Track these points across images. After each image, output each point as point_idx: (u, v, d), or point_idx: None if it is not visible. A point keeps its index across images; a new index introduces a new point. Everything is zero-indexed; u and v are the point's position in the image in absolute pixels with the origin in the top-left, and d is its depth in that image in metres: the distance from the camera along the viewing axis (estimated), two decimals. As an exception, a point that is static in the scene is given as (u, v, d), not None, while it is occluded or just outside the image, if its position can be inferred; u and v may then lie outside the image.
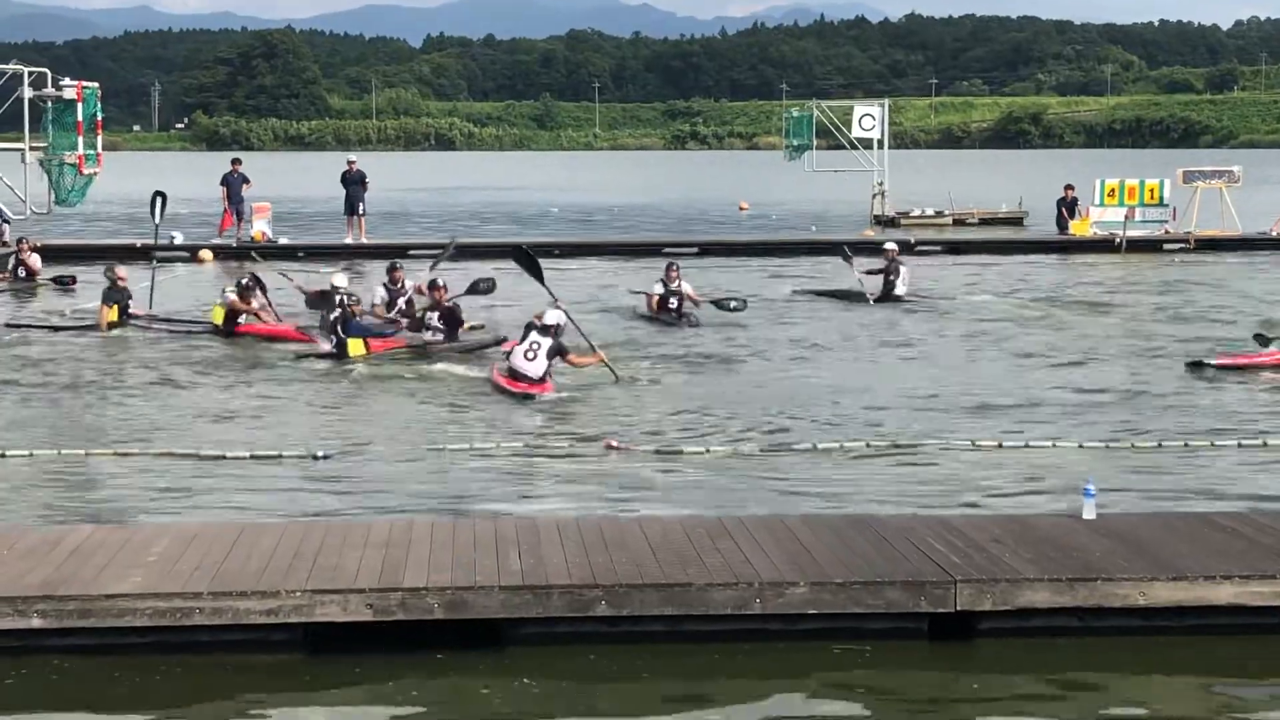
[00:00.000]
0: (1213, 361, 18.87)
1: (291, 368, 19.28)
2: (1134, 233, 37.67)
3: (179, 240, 36.18)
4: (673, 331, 22.65)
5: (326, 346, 19.91)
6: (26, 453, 13.92)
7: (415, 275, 22.91)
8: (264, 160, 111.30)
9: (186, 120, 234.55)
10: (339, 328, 19.76)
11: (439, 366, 19.03)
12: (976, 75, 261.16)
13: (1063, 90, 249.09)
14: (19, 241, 30.42)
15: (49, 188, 34.38)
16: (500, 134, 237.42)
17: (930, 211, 46.84)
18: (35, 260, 29.68)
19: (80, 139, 34.02)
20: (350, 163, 39.00)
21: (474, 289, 21.38)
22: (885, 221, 45.13)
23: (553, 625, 8.83)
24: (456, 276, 23.45)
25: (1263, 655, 8.88)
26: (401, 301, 21.67)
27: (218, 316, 22.04)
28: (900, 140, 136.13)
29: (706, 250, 37.43)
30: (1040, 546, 9.58)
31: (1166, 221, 39.40)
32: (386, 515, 11.39)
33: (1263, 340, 19.31)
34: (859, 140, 47.38)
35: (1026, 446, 14.28)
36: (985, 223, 46.64)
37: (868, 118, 46.80)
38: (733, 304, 23.94)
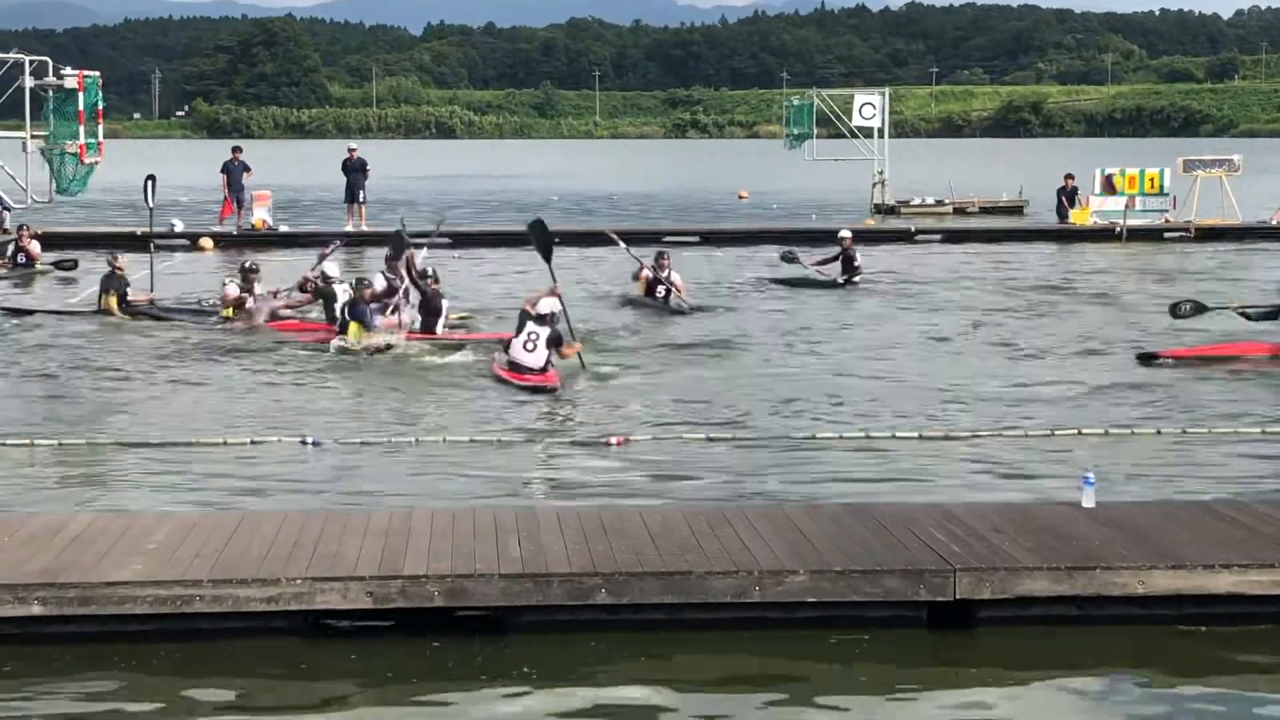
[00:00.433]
0: (1162, 352, 18.86)
1: (292, 355, 19.24)
2: (1134, 222, 37.64)
3: (179, 228, 36.20)
4: (666, 320, 22.67)
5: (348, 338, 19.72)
6: (27, 441, 13.92)
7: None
8: (264, 148, 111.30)
9: (187, 108, 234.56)
10: (345, 312, 19.75)
11: (441, 357, 19.00)
12: (977, 64, 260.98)
13: (1063, 79, 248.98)
14: (19, 229, 30.43)
15: (50, 177, 34.40)
16: (501, 122, 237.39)
17: (930, 200, 46.86)
18: (35, 247, 29.68)
19: (81, 128, 34.04)
20: (351, 150, 39.06)
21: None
22: (885, 210, 45.16)
23: (552, 613, 8.84)
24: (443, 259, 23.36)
25: (1262, 644, 8.89)
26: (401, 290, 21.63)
27: (227, 310, 21.96)
28: (901, 129, 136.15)
29: (707, 238, 37.44)
30: (1039, 535, 9.59)
31: (1167, 211, 39.41)
32: (386, 504, 11.41)
33: (1196, 307, 20.26)
34: (859, 129, 47.34)
35: (1025, 435, 14.29)
36: (986, 212, 46.69)
37: (868, 106, 46.77)
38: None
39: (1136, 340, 20.54)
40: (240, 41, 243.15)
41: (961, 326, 22.26)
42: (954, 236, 38.46)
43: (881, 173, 45.99)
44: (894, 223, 41.96)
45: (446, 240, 26.65)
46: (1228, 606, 9.05)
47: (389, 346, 19.24)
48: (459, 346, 19.49)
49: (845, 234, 28.47)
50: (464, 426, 14.81)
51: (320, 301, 21.45)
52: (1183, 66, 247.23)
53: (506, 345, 17.53)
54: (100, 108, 35.27)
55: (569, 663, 8.51)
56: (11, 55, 35.03)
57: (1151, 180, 39.60)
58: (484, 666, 8.44)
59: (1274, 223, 38.89)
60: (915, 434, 14.34)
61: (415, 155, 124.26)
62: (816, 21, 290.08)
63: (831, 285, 27.04)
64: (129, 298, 22.90)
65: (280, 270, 24.59)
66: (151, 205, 25.66)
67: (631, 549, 9.25)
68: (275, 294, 22.17)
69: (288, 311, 21.93)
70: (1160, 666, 8.61)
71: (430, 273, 20.70)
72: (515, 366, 17.07)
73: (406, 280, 21.28)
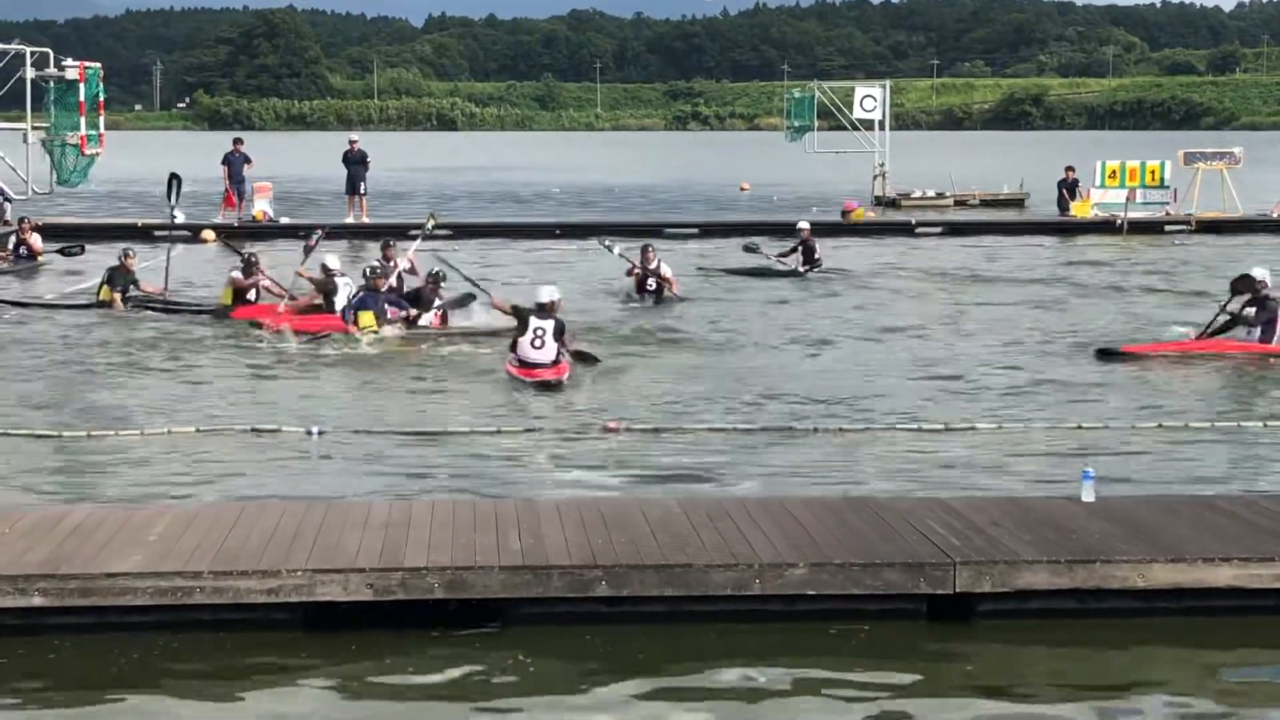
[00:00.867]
0: (1119, 349, 18.81)
1: (296, 346, 19.25)
2: (1135, 214, 37.64)
3: (180, 219, 36.14)
4: (656, 313, 22.66)
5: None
6: (28, 432, 13.94)
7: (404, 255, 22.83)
8: (265, 140, 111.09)
9: (188, 99, 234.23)
10: (357, 301, 19.76)
11: (443, 348, 19.01)
12: (978, 56, 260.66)
13: (1064, 72, 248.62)
14: (20, 221, 30.40)
15: (51, 168, 34.39)
16: (502, 114, 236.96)
17: (931, 193, 46.79)
18: (36, 239, 29.65)
19: (82, 119, 34.01)
20: (352, 142, 39.04)
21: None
22: (886, 203, 45.12)
23: (552, 605, 8.85)
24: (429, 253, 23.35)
25: (1261, 637, 8.90)
26: (392, 279, 21.63)
27: (227, 297, 22.02)
28: (902, 121, 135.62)
29: (708, 231, 37.41)
30: (1039, 528, 9.59)
31: (1167, 203, 39.39)
32: (386, 496, 11.43)
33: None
34: (860, 121, 47.26)
35: (1026, 429, 14.30)
36: (986, 204, 46.64)
37: (869, 99, 46.68)
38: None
39: (1135, 334, 20.54)
40: (241, 33, 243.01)
41: (956, 318, 22.28)
42: (954, 229, 38.44)
43: (882, 165, 45.94)
44: (895, 215, 41.95)
45: (447, 232, 26.60)
46: (1228, 600, 9.05)
47: (403, 335, 19.36)
48: (466, 335, 19.54)
49: (804, 225, 28.92)
50: (464, 418, 14.82)
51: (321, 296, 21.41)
52: (1184, 59, 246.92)
53: (513, 345, 17.13)
54: (101, 99, 35.22)
55: (569, 655, 8.51)
56: (13, 46, 35.00)
57: (1152, 173, 39.59)
58: (484, 658, 8.44)
59: (1274, 215, 38.87)
60: (915, 426, 14.35)
61: (416, 147, 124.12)
62: (817, 14, 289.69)
63: (791, 274, 27.54)
64: (133, 293, 22.83)
65: (280, 261, 24.53)
66: (174, 203, 25.62)
67: (631, 541, 9.26)
68: (278, 289, 22.20)
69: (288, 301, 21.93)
70: (1160, 660, 8.62)
71: (439, 273, 20.70)
72: (526, 364, 16.84)
73: (399, 269, 21.29)
